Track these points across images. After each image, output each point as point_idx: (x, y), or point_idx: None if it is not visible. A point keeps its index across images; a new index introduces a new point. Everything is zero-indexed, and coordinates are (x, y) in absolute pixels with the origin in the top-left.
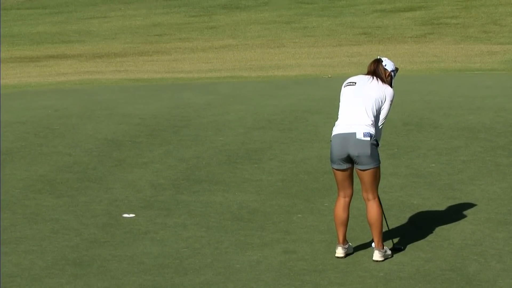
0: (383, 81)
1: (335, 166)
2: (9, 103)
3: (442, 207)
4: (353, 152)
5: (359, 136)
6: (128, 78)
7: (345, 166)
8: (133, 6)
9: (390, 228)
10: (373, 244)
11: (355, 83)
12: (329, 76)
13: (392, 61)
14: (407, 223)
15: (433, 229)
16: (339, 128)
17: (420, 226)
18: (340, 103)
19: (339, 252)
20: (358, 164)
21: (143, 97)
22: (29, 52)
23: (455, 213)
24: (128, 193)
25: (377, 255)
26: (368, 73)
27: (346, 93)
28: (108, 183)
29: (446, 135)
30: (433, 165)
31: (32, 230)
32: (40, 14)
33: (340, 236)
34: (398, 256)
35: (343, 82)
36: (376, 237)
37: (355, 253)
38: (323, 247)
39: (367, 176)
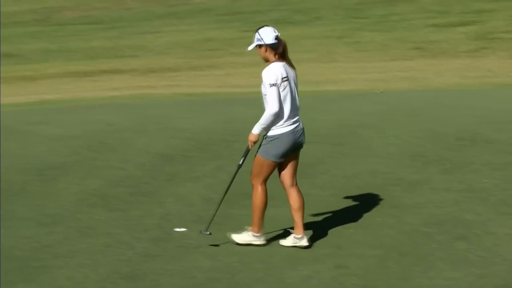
0: (291, 64)
1: (280, 160)
2: (63, 118)
3: (495, 222)
4: (301, 142)
5: (302, 125)
6: (180, 92)
7: (286, 157)
8: (186, 21)
9: (442, 243)
10: (292, 230)
11: (287, 77)
12: (381, 91)
13: (268, 31)
14: (459, 238)
15: (486, 244)
16: (289, 125)
17: (473, 241)
18: (281, 98)
19: (263, 240)
20: (295, 151)
21: (195, 111)
22: (83, 67)
23: (509, 228)
24: (180, 207)
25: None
26: (283, 59)
27: (283, 88)
28: (160, 197)
29: (500, 150)
30: (487, 180)
31: (85, 244)
32: (95, 29)
33: (261, 224)
34: (450, 271)
35: (392, 97)
36: (301, 221)
37: (408, 269)
38: (375, 262)
39: (297, 159)
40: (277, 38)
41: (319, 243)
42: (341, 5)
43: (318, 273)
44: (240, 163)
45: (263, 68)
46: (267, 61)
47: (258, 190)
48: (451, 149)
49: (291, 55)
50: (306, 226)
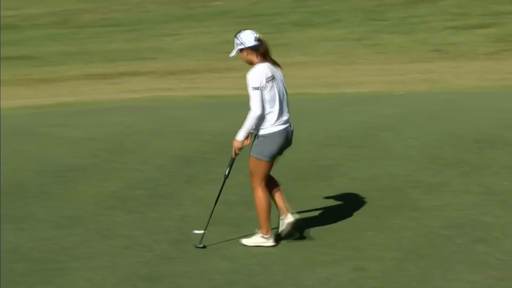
0: (276, 63)
1: (269, 160)
2: (82, 120)
3: None
4: (290, 143)
5: (292, 128)
6: (199, 95)
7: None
8: (206, 24)
9: (461, 246)
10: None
11: (274, 76)
12: (401, 93)
13: (248, 34)
14: (478, 241)
15: (506, 247)
16: (281, 124)
17: (492, 244)
18: (267, 97)
19: (273, 241)
20: (281, 153)
21: (214, 113)
22: (102, 69)
23: None
24: (199, 210)
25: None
26: (267, 59)
27: (270, 88)
28: (179, 200)
29: None
30: (506, 182)
31: (104, 246)
32: (114, 31)
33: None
34: (470, 274)
35: (411, 99)
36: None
37: (427, 272)
38: (394, 264)
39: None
40: (257, 39)
41: (337, 245)
42: (360, 8)
43: (337, 275)
44: (226, 173)
45: (283, 71)
46: (251, 63)
47: (259, 192)
48: (470, 152)
49: (310, 57)
50: (325, 228)
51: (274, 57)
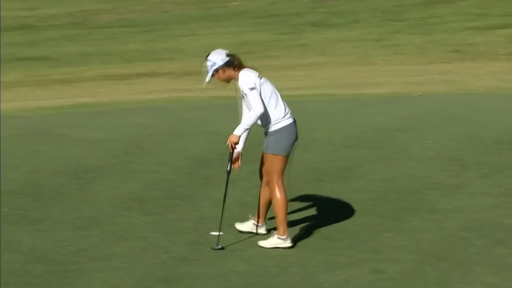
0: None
1: (285, 153)
2: (99, 121)
3: None
4: (298, 136)
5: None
6: (217, 95)
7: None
8: (223, 24)
9: (481, 248)
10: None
11: (260, 75)
12: (419, 94)
13: (217, 53)
14: (498, 243)
15: None
16: (289, 116)
17: None
18: (267, 93)
19: (290, 242)
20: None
21: (231, 114)
22: (120, 70)
23: None
24: (216, 211)
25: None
26: (245, 67)
27: (267, 85)
28: (196, 201)
29: None
30: None
31: (121, 247)
32: (131, 32)
33: (285, 224)
34: (489, 277)
35: (430, 100)
36: (266, 213)
37: (446, 274)
38: (412, 267)
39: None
40: (228, 54)
41: (356, 247)
42: (379, 8)
43: (355, 277)
44: (228, 168)
45: (299, 71)
46: (229, 80)
47: (277, 192)
48: (490, 153)
49: (328, 58)
50: (343, 230)
51: (292, 58)
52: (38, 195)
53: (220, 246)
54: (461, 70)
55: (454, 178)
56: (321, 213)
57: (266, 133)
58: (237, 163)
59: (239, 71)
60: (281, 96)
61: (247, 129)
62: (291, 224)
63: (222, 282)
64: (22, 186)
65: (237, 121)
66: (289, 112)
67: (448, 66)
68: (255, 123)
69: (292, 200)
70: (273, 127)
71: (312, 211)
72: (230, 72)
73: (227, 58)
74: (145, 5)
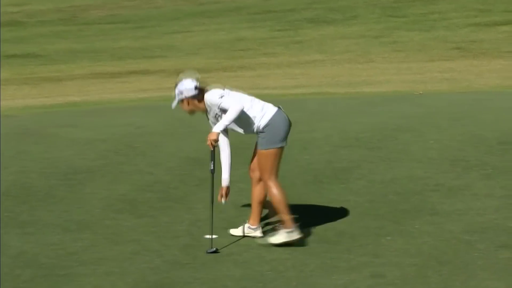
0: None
1: (282, 144)
2: (90, 120)
3: None
4: (291, 124)
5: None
6: None
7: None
8: (217, 21)
9: (484, 252)
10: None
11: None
12: (420, 92)
13: (186, 84)
14: (502, 246)
15: None
16: (269, 108)
17: None
18: (239, 99)
19: (298, 233)
20: (286, 140)
21: None
22: (111, 68)
23: None
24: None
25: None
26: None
27: (233, 93)
28: (190, 203)
29: None
30: None
31: (113, 251)
32: (122, 29)
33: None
34: (492, 281)
35: (432, 99)
36: (260, 213)
37: (448, 279)
38: (413, 271)
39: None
40: (197, 88)
41: (354, 251)
42: (378, 4)
43: (354, 282)
44: (212, 167)
45: (296, 69)
46: (194, 111)
47: (272, 186)
48: (493, 154)
49: (326, 55)
50: (341, 233)
51: (288, 55)
52: (26, 197)
53: (214, 249)
54: (463, 68)
55: (456, 179)
56: (319, 215)
57: (256, 133)
58: (225, 197)
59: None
60: (255, 97)
61: (227, 125)
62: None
63: (217, 287)
64: (10, 187)
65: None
66: (270, 106)
67: (450, 63)
68: (234, 120)
69: (289, 201)
70: (260, 124)
71: (310, 213)
72: (195, 103)
73: (195, 92)
74: (137, 1)
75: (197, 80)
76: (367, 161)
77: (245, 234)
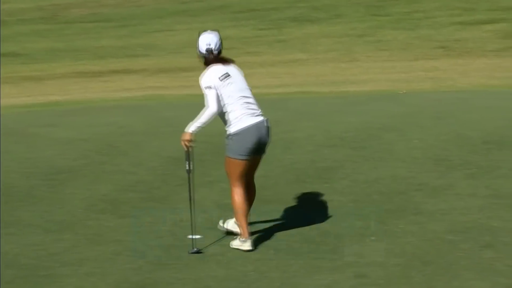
0: (228, 61)
1: (246, 158)
2: (71, 120)
3: None
4: (265, 140)
5: (267, 124)
6: (194, 94)
7: (253, 155)
8: (200, 19)
9: (468, 252)
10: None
11: (228, 74)
12: (404, 91)
13: (201, 39)
14: (486, 246)
15: None
16: (247, 119)
17: (500, 250)
18: (225, 95)
19: (249, 245)
20: (260, 152)
21: None
22: (92, 67)
23: None
24: (193, 213)
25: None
26: (221, 61)
27: (227, 85)
28: (173, 203)
29: None
30: None
31: (94, 251)
32: (104, 27)
33: (247, 228)
34: (476, 281)
35: (416, 98)
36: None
37: (432, 279)
38: (397, 271)
39: (259, 161)
40: (207, 50)
41: (338, 251)
42: (362, 2)
43: (337, 282)
44: (187, 167)
45: (280, 68)
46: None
47: (234, 194)
48: (477, 153)
49: (309, 54)
50: (325, 233)
51: (272, 54)
52: (7, 197)
53: (196, 249)
54: (448, 66)
55: (440, 179)
56: (302, 215)
57: (225, 137)
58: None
59: (211, 64)
60: (248, 97)
61: (199, 127)
62: (272, 226)
63: (200, 287)
64: None
65: (214, 120)
66: (251, 114)
67: (434, 62)
68: (208, 122)
69: (272, 201)
70: (228, 130)
71: (293, 214)
72: (202, 62)
73: (203, 53)
74: None
75: (216, 44)
76: (351, 161)
77: (228, 229)
